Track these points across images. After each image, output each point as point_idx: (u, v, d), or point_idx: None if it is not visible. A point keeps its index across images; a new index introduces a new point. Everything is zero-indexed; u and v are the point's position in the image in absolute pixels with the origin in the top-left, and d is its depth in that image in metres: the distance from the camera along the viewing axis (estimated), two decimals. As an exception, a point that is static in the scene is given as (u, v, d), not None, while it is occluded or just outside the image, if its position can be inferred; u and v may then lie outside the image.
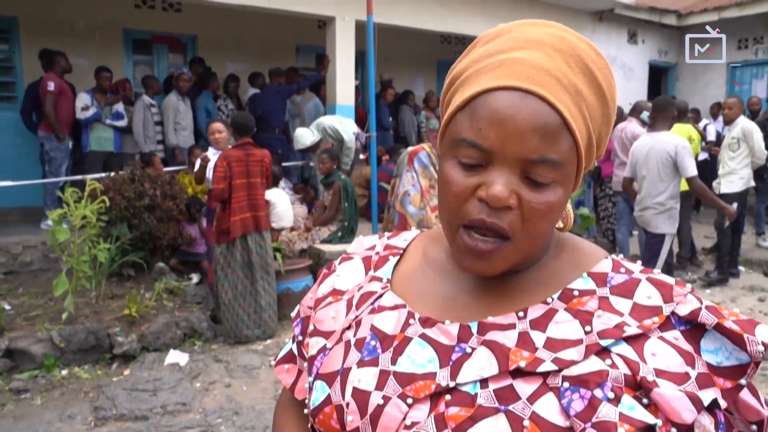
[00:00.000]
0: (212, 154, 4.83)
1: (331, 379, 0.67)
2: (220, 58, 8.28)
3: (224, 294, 4.38)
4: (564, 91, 0.58)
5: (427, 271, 0.73)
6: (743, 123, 5.77)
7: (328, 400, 0.66)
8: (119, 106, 6.46)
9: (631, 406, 0.54)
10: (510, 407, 0.56)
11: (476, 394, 0.58)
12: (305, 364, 0.75)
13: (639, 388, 0.55)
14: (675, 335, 0.58)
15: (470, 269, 0.63)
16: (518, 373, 0.58)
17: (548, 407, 0.55)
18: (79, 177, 6.00)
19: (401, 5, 7.30)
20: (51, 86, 5.83)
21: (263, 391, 3.66)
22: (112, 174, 5.24)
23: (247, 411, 3.37)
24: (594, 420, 0.53)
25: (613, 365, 0.56)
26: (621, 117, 6.50)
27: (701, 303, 0.59)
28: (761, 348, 0.55)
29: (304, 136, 6.43)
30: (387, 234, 0.85)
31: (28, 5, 6.98)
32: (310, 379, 0.71)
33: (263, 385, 3.74)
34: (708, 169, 7.66)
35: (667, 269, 6.05)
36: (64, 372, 3.83)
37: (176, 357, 4.06)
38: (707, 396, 0.54)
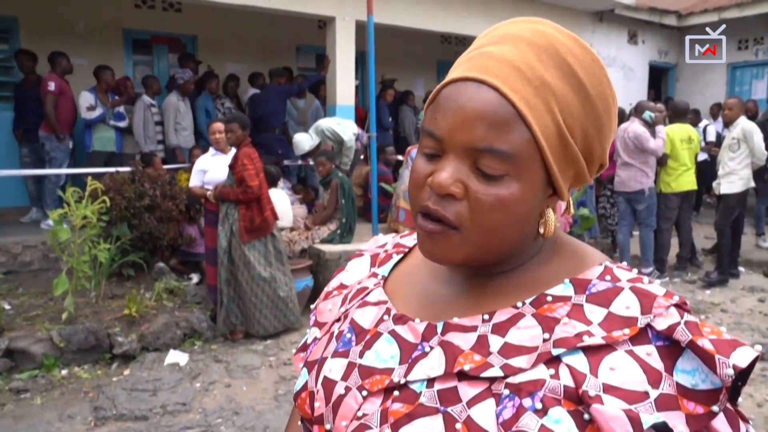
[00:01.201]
0: (212, 155, 4.83)
1: (311, 367, 0.71)
2: (220, 58, 8.28)
3: (260, 291, 4.38)
4: (525, 82, 0.57)
5: (423, 271, 0.73)
6: (743, 123, 5.76)
7: (305, 386, 0.70)
8: (120, 107, 6.49)
9: (557, 419, 0.51)
10: (449, 409, 0.56)
11: (420, 393, 0.59)
12: None
13: (581, 402, 0.52)
14: (648, 350, 0.54)
15: (426, 254, 0.63)
16: (465, 376, 0.57)
17: (484, 413, 0.55)
18: (78, 170, 6.01)
19: (401, 5, 7.30)
20: (52, 86, 5.84)
21: (263, 391, 3.66)
22: (114, 170, 5.25)
23: (247, 411, 3.37)
24: (514, 429, 0.52)
25: (556, 375, 0.54)
26: (623, 117, 6.49)
27: (682, 317, 0.55)
28: (731, 371, 0.50)
29: (303, 141, 6.44)
30: (403, 233, 0.86)
31: (28, 5, 6.98)
32: (301, 365, 0.75)
33: (263, 385, 3.74)
34: (708, 170, 7.66)
35: (660, 267, 6.08)
36: (64, 372, 3.83)
37: (176, 357, 4.06)
38: (649, 419, 0.50)
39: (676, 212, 6.08)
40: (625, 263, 0.67)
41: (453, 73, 0.61)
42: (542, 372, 0.55)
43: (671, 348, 0.54)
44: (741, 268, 6.31)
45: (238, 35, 8.30)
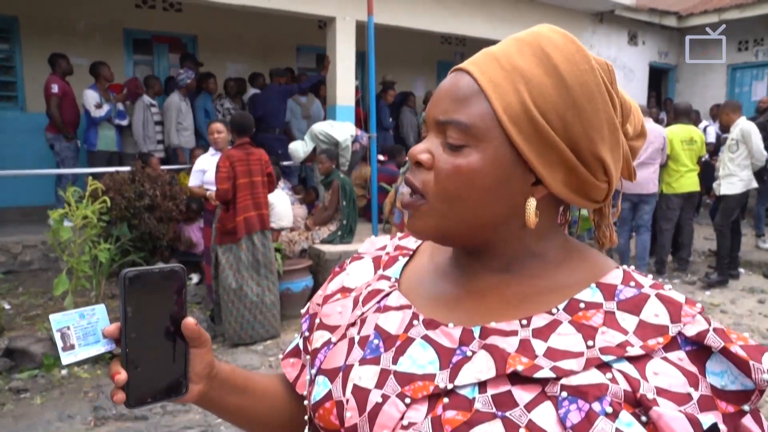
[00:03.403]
0: (211, 155, 4.84)
1: (333, 375, 0.68)
2: (220, 58, 8.29)
3: (226, 296, 4.35)
4: (497, 66, 0.62)
5: (432, 274, 0.73)
6: (742, 124, 5.76)
7: (329, 396, 0.67)
8: (121, 105, 6.51)
9: (628, 423, 0.52)
10: (507, 414, 0.55)
11: (474, 399, 0.57)
12: (308, 358, 0.76)
13: (638, 405, 0.54)
14: (680, 356, 0.57)
15: (409, 230, 0.67)
16: (517, 379, 0.57)
17: (545, 416, 0.54)
18: (78, 170, 6.02)
19: (401, 5, 7.30)
20: (54, 89, 5.87)
21: (263, 391, 3.65)
22: (114, 169, 5.26)
23: (246, 411, 3.37)
24: None
25: (614, 380, 0.55)
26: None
27: (710, 324, 0.58)
28: (766, 376, 0.54)
29: (298, 149, 6.46)
30: (399, 235, 0.86)
31: (29, 5, 6.99)
32: (313, 371, 0.72)
33: (263, 385, 3.74)
34: (708, 171, 7.66)
35: (660, 267, 6.08)
36: (64, 372, 3.83)
37: (176, 357, 4.06)
38: (707, 419, 0.52)
39: (677, 213, 6.07)
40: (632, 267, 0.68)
41: None
42: (598, 376, 0.55)
43: (699, 352, 0.57)
44: (741, 269, 6.31)
45: (238, 35, 8.31)
